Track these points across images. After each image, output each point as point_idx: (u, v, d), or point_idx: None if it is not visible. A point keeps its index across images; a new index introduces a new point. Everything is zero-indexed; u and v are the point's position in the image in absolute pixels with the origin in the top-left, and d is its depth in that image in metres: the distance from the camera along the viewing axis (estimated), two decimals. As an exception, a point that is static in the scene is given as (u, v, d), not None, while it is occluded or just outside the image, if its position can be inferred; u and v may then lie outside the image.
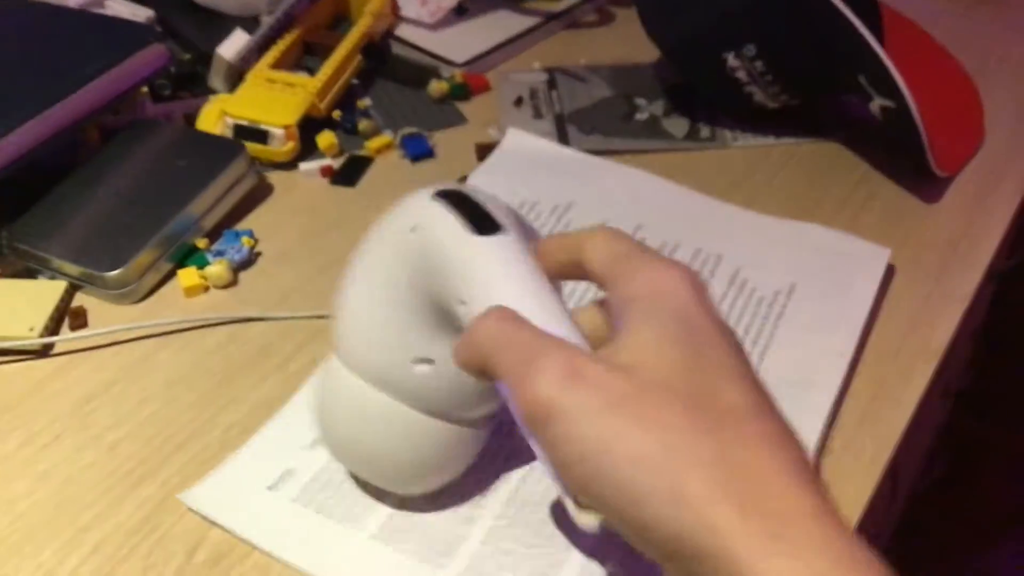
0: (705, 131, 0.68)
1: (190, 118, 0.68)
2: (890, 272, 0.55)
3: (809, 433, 0.45)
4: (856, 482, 0.44)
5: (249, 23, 0.74)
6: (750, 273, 0.54)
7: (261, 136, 0.65)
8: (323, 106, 0.68)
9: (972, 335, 0.90)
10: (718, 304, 0.48)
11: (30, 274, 0.56)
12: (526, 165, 0.64)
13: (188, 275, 0.56)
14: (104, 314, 0.54)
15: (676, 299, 0.32)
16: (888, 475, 0.46)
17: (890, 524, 0.89)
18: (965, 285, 0.55)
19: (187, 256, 0.58)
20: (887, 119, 0.59)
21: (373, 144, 0.67)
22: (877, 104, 0.59)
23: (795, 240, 0.56)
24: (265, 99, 0.67)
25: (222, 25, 0.74)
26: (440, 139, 0.69)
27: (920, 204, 0.61)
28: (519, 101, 0.71)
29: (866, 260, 0.55)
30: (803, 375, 0.48)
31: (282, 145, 0.65)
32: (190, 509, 0.43)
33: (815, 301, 0.52)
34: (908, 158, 0.62)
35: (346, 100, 0.71)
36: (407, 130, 0.68)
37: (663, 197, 0.61)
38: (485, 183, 0.62)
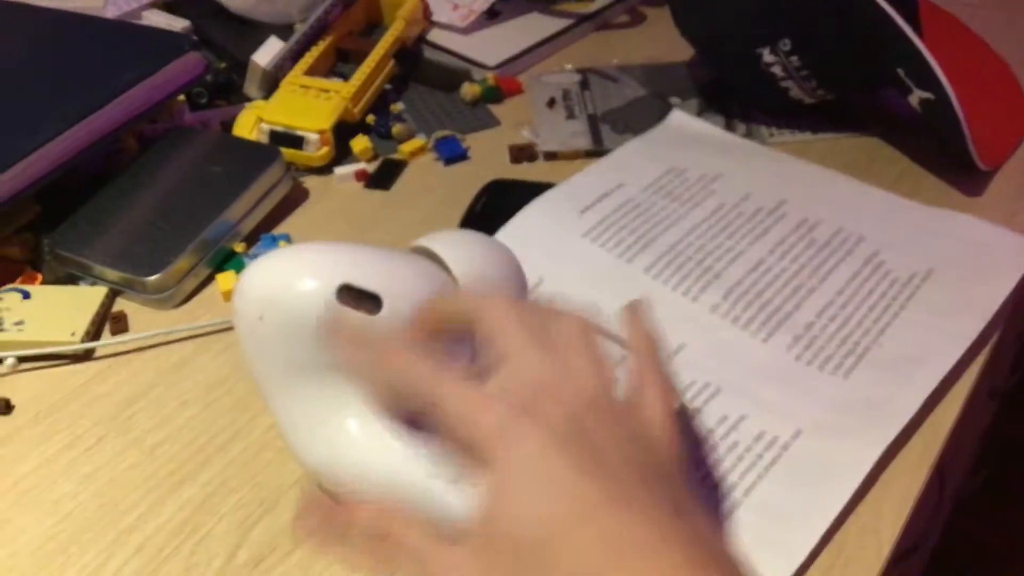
0: (741, 128, 0.67)
1: (227, 125, 0.69)
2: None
3: (905, 409, 0.45)
4: (904, 481, 0.43)
5: (283, 31, 0.75)
6: (888, 255, 0.54)
7: (296, 141, 0.65)
8: (357, 111, 0.69)
9: (1019, 335, 0.88)
10: (846, 284, 0.52)
11: (72, 280, 0.57)
12: (682, 140, 0.65)
13: (226, 279, 0.56)
14: (144, 319, 0.55)
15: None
16: (935, 475, 0.45)
17: (937, 528, 0.87)
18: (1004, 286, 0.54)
19: (225, 260, 0.58)
20: (927, 112, 0.58)
21: (407, 147, 0.67)
22: (917, 96, 0.58)
23: (940, 226, 0.56)
24: (300, 105, 0.67)
25: (256, 34, 0.74)
26: (473, 141, 0.69)
27: (963, 198, 0.60)
28: (552, 102, 0.71)
29: (1012, 251, 0.54)
30: (917, 352, 0.48)
31: (317, 150, 0.65)
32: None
33: (950, 287, 0.52)
34: (949, 152, 0.61)
35: (379, 105, 0.72)
36: (440, 133, 0.68)
37: (812, 178, 0.61)
38: (639, 150, 0.64)
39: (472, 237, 0.47)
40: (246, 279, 0.41)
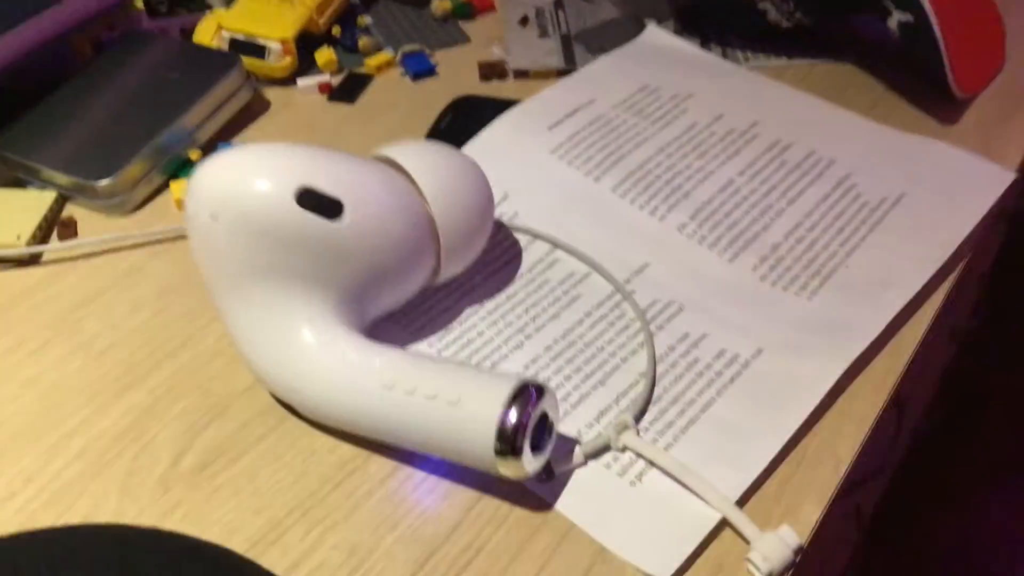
0: (716, 51, 0.66)
1: (187, 34, 0.66)
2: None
3: (868, 330, 0.44)
4: (864, 403, 0.43)
5: (247, -63, 0.72)
6: (860, 179, 0.53)
7: (258, 51, 0.63)
8: (322, 22, 0.66)
9: (979, 278, 0.88)
10: (815, 206, 0.51)
11: (20, 185, 0.55)
12: (656, 57, 0.63)
13: (180, 187, 0.55)
14: (95, 225, 0.53)
15: None
16: (893, 405, 0.45)
17: (894, 461, 0.88)
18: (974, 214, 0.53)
19: (180, 169, 0.56)
20: (905, 35, 0.57)
21: (373, 61, 0.65)
22: (896, 19, 0.57)
23: (914, 152, 0.55)
24: (262, 13, 0.65)
25: (219, -62, 0.71)
26: (442, 57, 0.67)
27: (937, 126, 0.59)
28: (524, 20, 0.69)
29: (985, 179, 0.53)
30: (884, 275, 0.47)
31: (279, 60, 0.63)
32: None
33: (920, 212, 0.51)
34: (925, 79, 0.60)
35: (346, 17, 0.69)
36: (408, 47, 0.66)
37: (787, 101, 0.60)
38: (612, 66, 0.62)
39: (437, 148, 0.45)
40: (200, 175, 0.40)
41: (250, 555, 0.37)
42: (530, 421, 0.36)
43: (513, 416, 0.35)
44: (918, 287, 0.47)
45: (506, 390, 0.36)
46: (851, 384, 0.43)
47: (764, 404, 0.42)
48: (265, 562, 0.37)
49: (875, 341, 0.44)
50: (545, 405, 0.37)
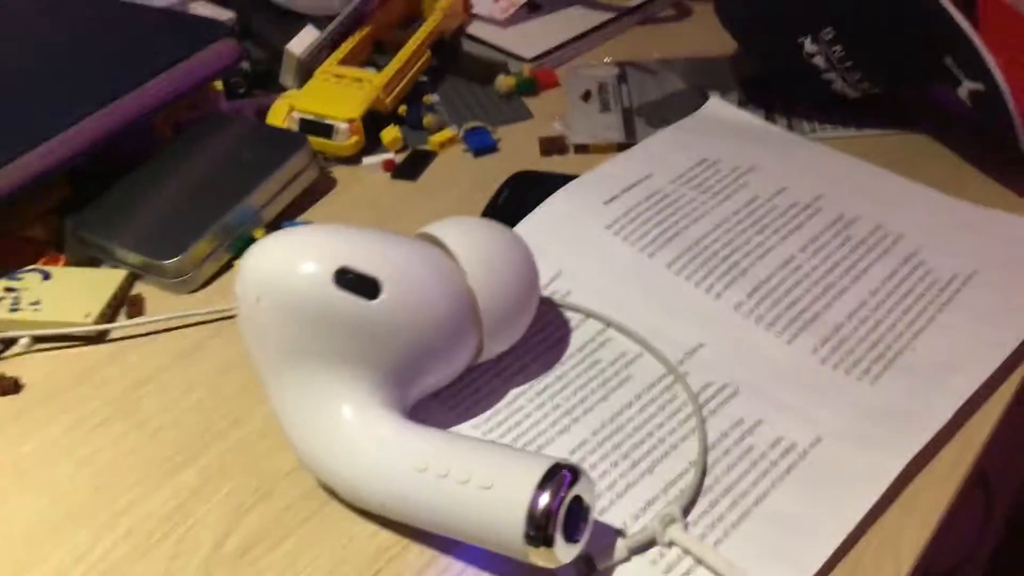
0: (782, 122, 0.65)
1: (262, 115, 0.68)
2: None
3: (935, 418, 0.42)
4: (931, 495, 0.40)
5: (323, 22, 0.74)
6: (929, 255, 0.51)
7: (326, 130, 0.65)
8: (389, 101, 0.68)
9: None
10: (881, 284, 0.49)
11: (94, 263, 0.57)
12: (718, 130, 0.63)
13: (243, 266, 0.56)
14: (162, 303, 0.55)
15: None
16: (978, 491, 0.42)
17: (985, 551, 0.83)
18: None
19: (246, 247, 0.58)
20: (977, 104, 0.55)
21: (437, 138, 0.66)
22: (966, 88, 0.55)
23: (987, 226, 0.53)
24: (332, 94, 0.67)
25: (298, 25, 0.74)
26: (505, 133, 0.67)
27: (1013, 198, 0.56)
28: (587, 95, 0.69)
29: None
30: (952, 359, 0.45)
31: (346, 139, 0.65)
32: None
33: (992, 291, 0.49)
34: (1000, 148, 0.57)
35: (413, 96, 0.71)
36: (470, 124, 0.67)
37: (853, 173, 0.58)
38: (672, 139, 0.62)
39: (480, 224, 0.45)
40: (248, 258, 0.41)
41: (283, 645, 0.37)
42: (561, 505, 0.35)
43: (544, 500, 0.34)
44: (990, 372, 0.44)
45: (537, 473, 0.35)
46: (916, 476, 0.41)
47: (822, 497, 0.40)
48: (298, 653, 0.36)
49: (944, 429, 0.42)
50: (580, 489, 0.36)
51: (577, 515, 0.36)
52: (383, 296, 0.40)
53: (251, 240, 0.58)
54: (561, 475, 0.35)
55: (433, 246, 0.44)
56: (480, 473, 0.36)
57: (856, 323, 0.48)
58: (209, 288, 0.56)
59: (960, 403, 0.42)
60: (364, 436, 0.39)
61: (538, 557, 0.35)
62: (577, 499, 0.36)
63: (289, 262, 0.40)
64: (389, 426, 0.39)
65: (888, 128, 0.63)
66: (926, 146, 0.62)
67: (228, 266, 0.57)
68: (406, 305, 0.40)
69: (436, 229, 0.45)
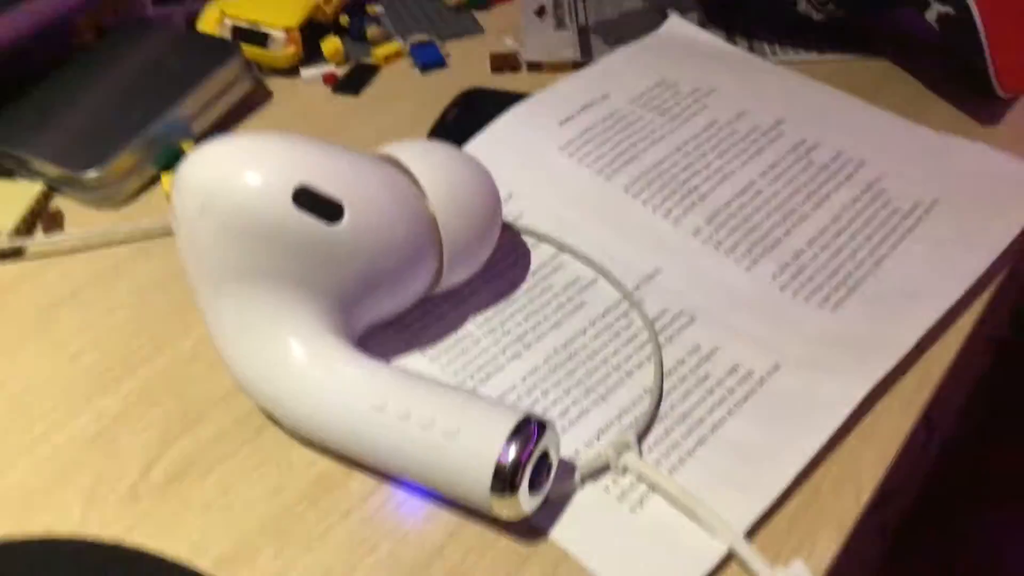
0: (742, 44, 0.62)
1: (192, 21, 0.64)
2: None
3: (897, 346, 0.41)
4: (890, 424, 0.39)
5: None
6: (891, 183, 0.50)
7: (261, 39, 0.60)
8: (329, 10, 0.64)
9: (1020, 288, 0.83)
10: (842, 210, 0.48)
11: (8, 175, 0.53)
12: (677, 50, 0.60)
13: (172, 180, 0.52)
14: (82, 218, 0.51)
15: None
16: (923, 420, 0.41)
17: (919, 473, 0.84)
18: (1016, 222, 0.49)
19: (174, 161, 0.54)
20: (945, 29, 0.53)
21: (381, 51, 0.62)
22: (935, 11, 0.53)
23: (950, 154, 0.52)
24: (268, 1, 0.62)
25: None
26: (453, 48, 0.64)
27: (976, 127, 0.55)
28: (541, 11, 0.66)
29: None
30: (915, 287, 0.44)
31: (283, 49, 0.60)
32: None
33: (957, 219, 0.48)
34: (965, 78, 0.56)
35: (355, 5, 0.66)
36: (418, 37, 0.63)
37: (815, 98, 0.56)
38: (629, 59, 0.59)
39: (443, 149, 0.42)
40: (190, 164, 0.37)
41: (219, 575, 0.34)
42: (530, 459, 0.33)
43: (512, 452, 0.33)
44: (953, 300, 0.43)
45: (507, 425, 0.33)
46: (876, 404, 0.40)
47: (780, 425, 0.38)
48: (230, 586, 0.34)
49: (905, 357, 0.41)
50: (546, 442, 0.34)
51: (540, 467, 0.34)
52: (345, 220, 0.37)
53: (180, 153, 0.54)
54: (530, 428, 0.33)
55: (395, 169, 0.40)
56: (444, 419, 0.34)
57: (817, 250, 0.46)
58: (133, 204, 0.52)
59: (923, 331, 0.41)
60: (316, 368, 0.36)
61: (502, 508, 0.33)
62: (543, 453, 0.34)
63: (243, 173, 0.36)
64: (343, 358, 0.37)
65: (850, 53, 0.62)
66: (888, 72, 0.60)
67: (154, 181, 0.53)
68: (367, 231, 0.37)
69: (398, 151, 0.42)
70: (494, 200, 0.43)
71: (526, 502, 0.33)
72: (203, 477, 0.38)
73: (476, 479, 0.33)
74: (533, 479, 0.34)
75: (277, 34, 0.60)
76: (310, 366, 0.36)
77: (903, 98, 0.58)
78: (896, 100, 0.57)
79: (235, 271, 0.37)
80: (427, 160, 0.41)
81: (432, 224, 0.40)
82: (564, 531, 0.35)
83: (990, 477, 1.04)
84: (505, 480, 0.32)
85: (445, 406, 0.34)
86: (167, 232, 0.50)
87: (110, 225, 0.50)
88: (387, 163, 0.41)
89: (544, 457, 0.34)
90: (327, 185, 0.37)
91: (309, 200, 0.36)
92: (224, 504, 0.37)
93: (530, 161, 0.51)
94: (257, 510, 0.36)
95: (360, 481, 0.37)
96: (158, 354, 0.43)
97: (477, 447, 0.33)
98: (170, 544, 0.35)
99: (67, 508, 0.37)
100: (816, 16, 0.60)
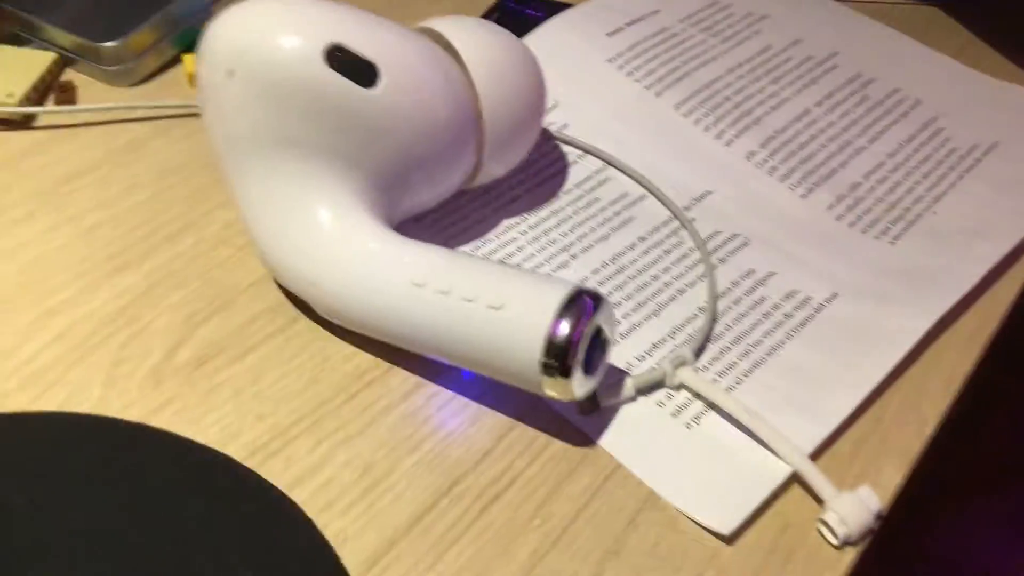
0: (791, -22, 0.60)
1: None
2: None
3: (962, 281, 0.39)
4: (950, 363, 0.38)
5: None
6: (949, 123, 0.48)
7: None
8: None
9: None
10: (899, 147, 0.46)
11: (18, 42, 0.49)
12: None
13: (194, 61, 0.49)
14: (97, 93, 0.47)
15: None
16: (983, 363, 0.40)
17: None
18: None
19: (195, 42, 0.50)
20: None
21: (415, -48, 0.59)
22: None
23: (1007, 100, 0.50)
24: None
25: None
26: (490, -43, 0.61)
27: (1028, 78, 0.54)
28: (582, -73, 0.63)
29: None
30: (976, 225, 0.42)
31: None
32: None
33: (1014, 163, 0.46)
34: (1017, 27, 0.54)
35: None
36: (455, -59, 0.60)
37: (870, 33, 0.54)
38: None
39: (491, 28, 0.40)
40: (218, 24, 0.34)
41: (249, 464, 0.32)
42: (584, 334, 0.31)
43: (565, 327, 0.30)
44: (1016, 240, 0.42)
45: (558, 297, 0.31)
46: (937, 339, 0.38)
47: (840, 353, 0.37)
48: (265, 473, 0.32)
49: (969, 292, 0.39)
50: (601, 319, 0.32)
51: (594, 346, 0.32)
52: (380, 85, 0.34)
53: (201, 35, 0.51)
54: (583, 301, 0.31)
55: (436, 43, 0.38)
56: (488, 292, 0.31)
57: (874, 183, 0.45)
58: (152, 83, 0.49)
59: (988, 268, 0.40)
60: (350, 243, 0.34)
61: (552, 388, 0.31)
62: (597, 330, 0.32)
63: (272, 31, 0.33)
64: (378, 234, 0.34)
65: (901, -4, 0.60)
66: (939, 18, 0.58)
67: (174, 62, 0.50)
68: (405, 99, 0.35)
69: (441, 25, 0.39)
70: (541, 90, 0.40)
71: (579, 383, 0.31)
72: (232, 363, 0.35)
73: (525, 354, 0.31)
74: (588, 360, 0.32)
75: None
76: (343, 241, 0.34)
77: (954, 45, 0.56)
78: (946, 46, 0.56)
79: (265, 138, 0.34)
80: (473, 37, 0.38)
81: (475, 104, 0.37)
82: (617, 442, 0.34)
83: (956, 469, 1.05)
84: (558, 356, 0.30)
85: (490, 279, 0.32)
86: (188, 113, 0.46)
87: (127, 102, 0.47)
88: (429, 36, 0.38)
89: (598, 336, 0.32)
90: (362, 46, 0.34)
91: (343, 61, 0.34)
92: (255, 392, 0.34)
93: (576, 70, 0.49)
94: (291, 401, 0.34)
95: (401, 377, 0.35)
96: (182, 236, 0.40)
97: (526, 320, 0.31)
98: (197, 429, 0.33)
99: (85, 387, 0.34)
100: (871, -47, 0.58)
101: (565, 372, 0.30)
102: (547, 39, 0.50)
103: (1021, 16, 0.53)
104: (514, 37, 0.40)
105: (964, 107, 0.49)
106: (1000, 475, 1.09)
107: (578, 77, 0.48)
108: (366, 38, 0.34)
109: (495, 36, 0.39)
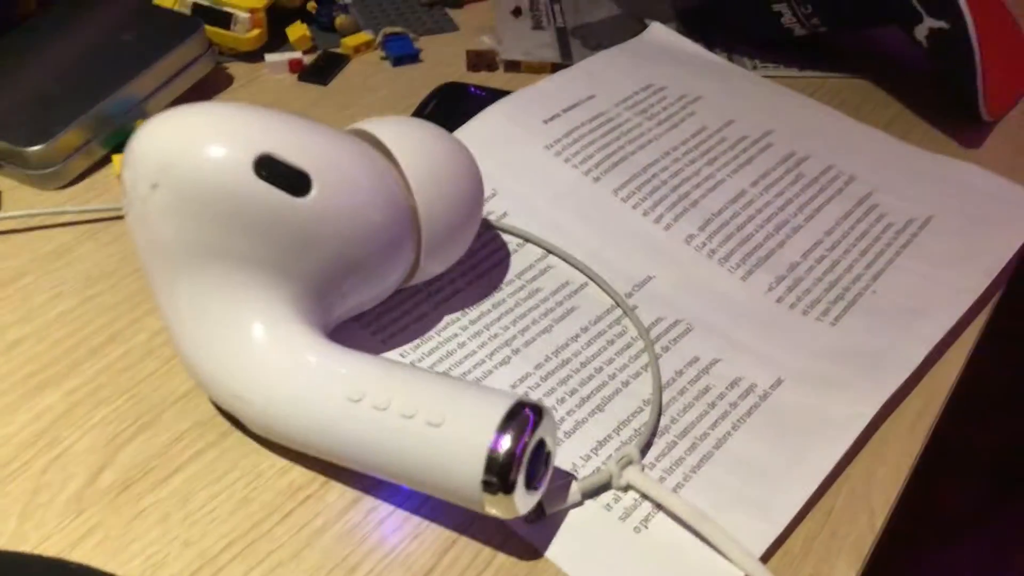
0: (721, 56, 0.61)
1: (146, -3, 0.59)
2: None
3: (905, 362, 0.39)
4: (900, 443, 0.37)
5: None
6: (883, 198, 0.48)
7: (223, 19, 0.57)
8: (296, -5, 0.60)
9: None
10: (836, 224, 0.46)
11: (-63, 148, 0.48)
12: (661, 56, 0.58)
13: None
14: (23, 198, 0.46)
15: None
16: (930, 445, 0.39)
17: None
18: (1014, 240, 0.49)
19: (125, 141, 0.49)
20: (935, 45, 0.53)
21: (351, 41, 0.59)
22: (926, 26, 0.52)
23: (941, 173, 0.51)
24: (231, -20, 0.59)
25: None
26: (426, 44, 0.61)
27: (959, 149, 0.55)
28: (517, 11, 0.64)
29: (1018, 204, 0.49)
30: (918, 304, 0.42)
31: (246, 31, 0.57)
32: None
33: (951, 237, 0.46)
34: (951, 95, 0.55)
35: (323, -7, 0.63)
36: (390, 29, 0.60)
37: (802, 110, 0.55)
38: (613, 62, 0.57)
39: (424, 126, 0.39)
40: (141, 135, 0.33)
41: (175, 599, 0.30)
42: (525, 450, 0.30)
43: (507, 442, 0.29)
44: (957, 318, 0.42)
45: (499, 411, 0.30)
46: (883, 423, 0.38)
47: (788, 443, 0.36)
48: (193, 608, 0.30)
49: (913, 372, 0.39)
50: (543, 431, 0.31)
51: (536, 459, 0.31)
52: (313, 193, 0.33)
53: (132, 133, 0.50)
54: (524, 415, 0.30)
55: (369, 145, 0.37)
56: (428, 407, 0.30)
57: (812, 262, 0.45)
58: (79, 185, 0.48)
59: (930, 348, 0.40)
60: (283, 356, 0.33)
61: (494, 506, 0.30)
62: (539, 442, 0.31)
63: (197, 142, 0.33)
64: (312, 346, 0.33)
65: (830, 71, 0.61)
66: (869, 91, 0.59)
67: (102, 163, 0.49)
68: (338, 206, 0.34)
69: (373, 126, 0.38)
70: (477, 184, 0.40)
71: (522, 499, 0.30)
72: (159, 485, 0.34)
73: (466, 473, 0.30)
74: (530, 474, 0.30)
75: (241, 14, 0.57)
76: (275, 355, 0.33)
77: (884, 117, 0.57)
78: (877, 119, 0.57)
79: (193, 252, 0.33)
80: (406, 137, 0.38)
81: (410, 205, 0.37)
82: (563, 551, 0.33)
83: (916, 520, 1.05)
84: (499, 474, 0.29)
85: (429, 393, 0.31)
86: (116, 216, 0.45)
87: (54, 207, 0.45)
88: (361, 139, 0.38)
89: (541, 448, 0.31)
90: (292, 155, 0.33)
91: (273, 171, 0.33)
92: (183, 516, 0.33)
93: (514, 158, 0.48)
94: (221, 524, 0.33)
95: (338, 492, 0.34)
96: (108, 348, 0.39)
97: (466, 436, 0.30)
98: (121, 561, 0.31)
99: (1, 519, 0.32)
100: (798, 31, 0.59)
101: (507, 489, 0.29)
102: (484, 127, 0.50)
103: (949, 86, 0.54)
104: (448, 134, 0.40)
105: (898, 181, 0.50)
106: (956, 527, 1.09)
107: (516, 165, 0.48)
108: (296, 146, 0.34)
109: (429, 135, 0.39)
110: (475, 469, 0.29)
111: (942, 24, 0.51)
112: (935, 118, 0.57)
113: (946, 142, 0.55)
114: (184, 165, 0.32)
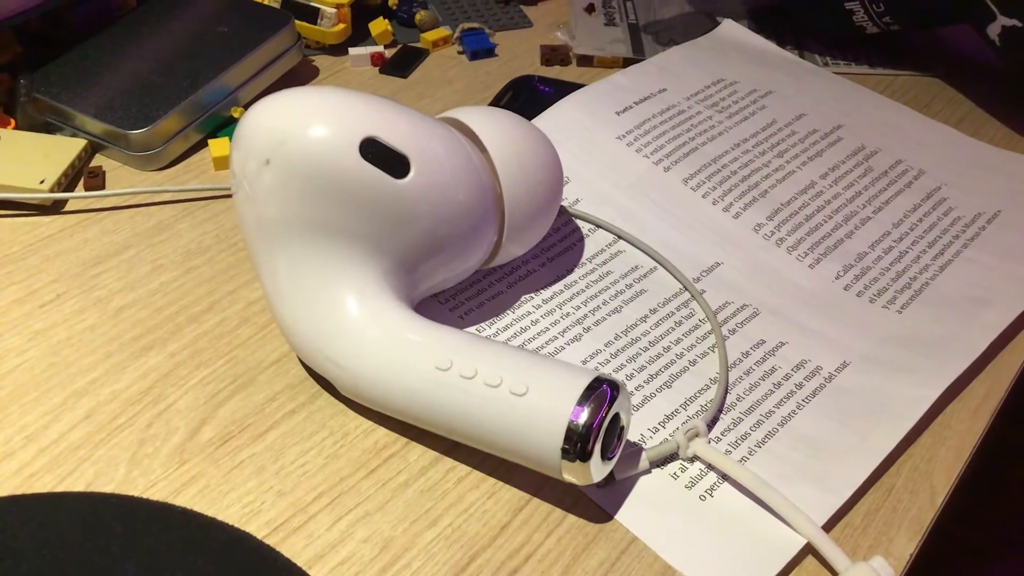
0: (792, 52, 0.62)
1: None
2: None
3: (969, 349, 0.40)
4: (960, 430, 0.38)
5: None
6: (952, 192, 0.49)
7: (311, 14, 0.59)
8: (379, -9, 0.63)
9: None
10: (904, 216, 0.47)
11: (49, 130, 0.51)
12: (733, 52, 0.59)
13: (219, 145, 0.51)
14: (125, 178, 0.49)
15: None
16: (991, 429, 0.40)
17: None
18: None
19: (220, 127, 0.53)
20: (1008, 44, 0.53)
21: (430, 36, 0.62)
22: (999, 25, 0.52)
23: (1007, 168, 0.51)
24: (318, -22, 0.61)
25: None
26: (502, 40, 0.63)
27: (1031, 147, 0.55)
28: (591, 8, 0.65)
29: None
30: (982, 293, 0.43)
31: (332, 25, 0.59)
32: (199, 382, 0.38)
33: (1018, 231, 0.47)
34: (1020, 95, 0.55)
35: (404, -10, 0.66)
36: (468, 24, 0.63)
37: (873, 106, 0.56)
38: (684, 57, 0.58)
39: (510, 117, 0.41)
40: (254, 115, 0.36)
41: (270, 541, 0.33)
42: (603, 422, 0.31)
43: (585, 415, 0.31)
44: (1021, 308, 0.42)
45: (579, 385, 0.32)
46: (946, 407, 0.39)
47: (851, 422, 0.37)
48: (286, 550, 0.32)
49: (977, 359, 0.40)
50: (618, 406, 0.33)
51: (611, 432, 0.33)
52: (410, 176, 0.35)
53: (227, 120, 0.53)
54: (603, 390, 0.32)
55: (461, 132, 0.39)
56: (513, 378, 0.32)
57: (880, 252, 0.46)
58: (177, 167, 0.51)
59: (994, 335, 0.41)
60: (375, 327, 0.35)
61: (571, 473, 0.32)
62: (614, 416, 0.33)
63: (310, 122, 0.35)
64: (403, 318, 0.35)
65: (901, 68, 0.61)
66: (939, 88, 0.60)
67: (199, 146, 0.52)
68: (432, 189, 0.36)
69: (464, 115, 0.41)
70: (558, 173, 0.42)
71: (597, 468, 0.32)
72: (254, 441, 0.36)
73: (546, 441, 0.31)
74: (605, 445, 0.32)
75: (328, 10, 0.59)
76: (368, 325, 0.35)
77: (955, 115, 0.57)
78: (947, 116, 0.57)
79: (297, 226, 0.35)
80: (494, 126, 0.40)
81: (496, 190, 0.39)
82: (632, 515, 0.34)
83: (974, 530, 1.04)
84: (578, 443, 0.31)
85: (513, 365, 0.33)
86: (212, 195, 0.48)
87: (154, 185, 0.48)
88: (452, 126, 0.40)
89: (615, 422, 0.33)
90: (394, 139, 0.35)
91: (376, 153, 0.35)
92: (276, 469, 0.35)
93: (588, 147, 0.50)
94: (311, 478, 0.35)
95: (419, 452, 0.36)
96: (206, 316, 0.41)
97: (547, 406, 0.32)
98: (220, 507, 0.34)
99: (110, 467, 0.35)
100: (870, 29, 0.60)
101: (584, 457, 0.31)
102: (559, 118, 0.52)
103: (1020, 83, 0.54)
104: (532, 124, 0.42)
105: (966, 176, 0.50)
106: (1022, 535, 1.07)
107: (589, 153, 0.50)
108: (397, 130, 0.36)
109: (514, 124, 0.41)
110: (555, 438, 0.31)
111: (1015, 22, 0.51)
112: (1006, 116, 0.57)
113: (1017, 140, 0.56)
114: (297, 143, 0.34)
